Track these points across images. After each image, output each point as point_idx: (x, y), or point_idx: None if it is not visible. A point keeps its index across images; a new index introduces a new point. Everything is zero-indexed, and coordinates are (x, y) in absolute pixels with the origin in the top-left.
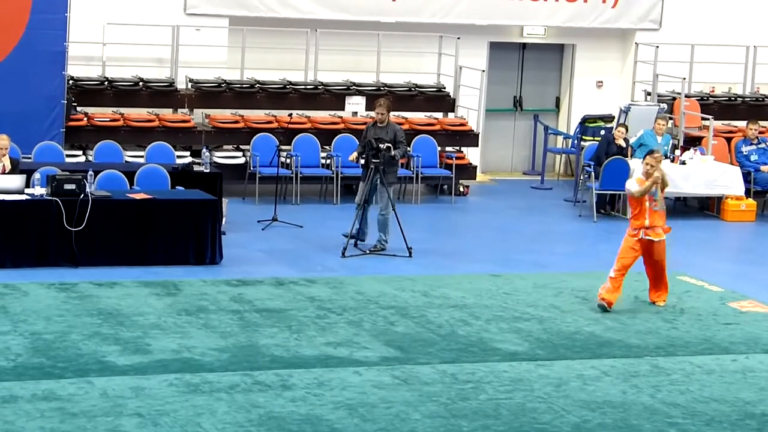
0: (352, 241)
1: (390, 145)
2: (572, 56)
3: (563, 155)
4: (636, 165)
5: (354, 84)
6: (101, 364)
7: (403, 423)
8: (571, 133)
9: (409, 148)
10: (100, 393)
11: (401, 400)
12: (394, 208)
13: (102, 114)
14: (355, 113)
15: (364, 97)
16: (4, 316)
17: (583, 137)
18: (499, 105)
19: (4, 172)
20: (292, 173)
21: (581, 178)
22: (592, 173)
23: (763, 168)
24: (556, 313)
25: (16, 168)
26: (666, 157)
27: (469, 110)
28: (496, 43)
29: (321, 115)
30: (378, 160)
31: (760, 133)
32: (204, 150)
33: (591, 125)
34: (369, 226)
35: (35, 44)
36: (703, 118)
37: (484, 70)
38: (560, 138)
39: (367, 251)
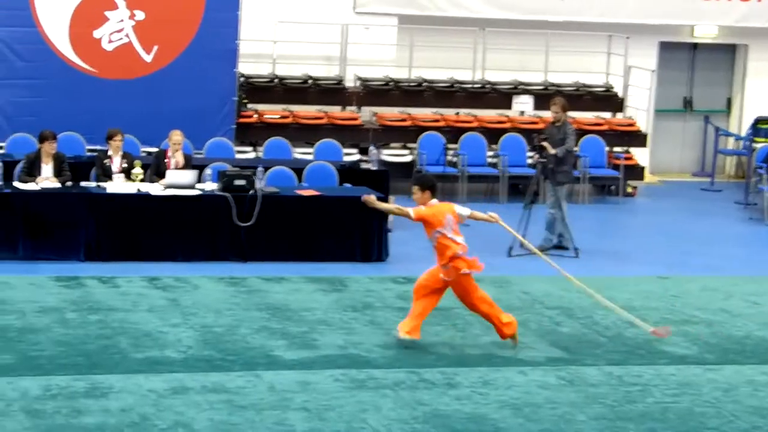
0: (519, 240)
1: (544, 143)
2: (745, 57)
3: (734, 157)
4: None
5: (521, 83)
6: (269, 358)
7: (568, 424)
8: (743, 134)
9: (576, 148)
10: (268, 386)
11: (566, 401)
12: (561, 207)
13: (272, 111)
14: (522, 112)
15: (532, 97)
16: (176, 309)
17: (755, 139)
18: (668, 105)
19: (177, 168)
20: (459, 172)
21: (753, 180)
22: (765, 175)
23: None
24: (725, 317)
25: (188, 163)
26: None
27: (638, 110)
28: (666, 43)
29: (488, 114)
30: (544, 160)
31: None
32: (372, 148)
33: (764, 126)
34: (556, 228)
35: (208, 42)
36: None
37: (653, 70)
38: (731, 139)
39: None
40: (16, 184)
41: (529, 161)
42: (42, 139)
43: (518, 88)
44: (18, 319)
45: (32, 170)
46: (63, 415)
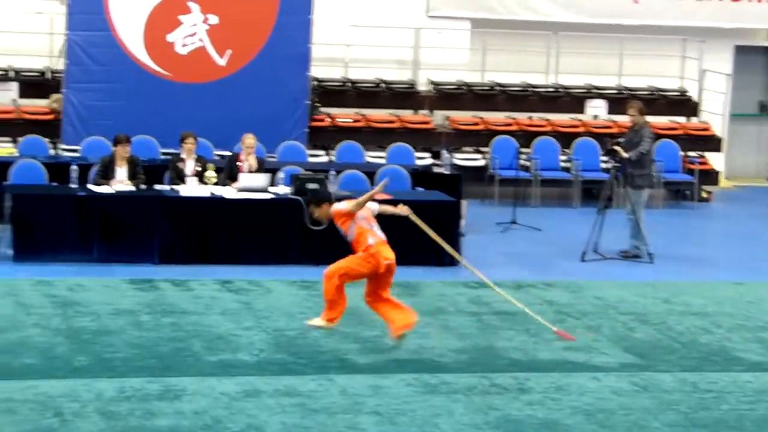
0: (592, 245)
1: (615, 147)
2: None
3: None
4: None
5: (595, 87)
6: (341, 361)
7: (642, 431)
8: None
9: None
10: (340, 390)
11: (640, 408)
12: (635, 212)
13: (344, 114)
14: (595, 116)
15: (605, 101)
16: (249, 312)
17: None
18: (744, 110)
19: (250, 171)
20: (532, 176)
21: None
22: None
23: None
24: None
25: (261, 167)
26: None
27: (713, 115)
28: (741, 47)
29: (561, 118)
30: (618, 164)
31: None
32: (444, 151)
33: None
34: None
35: (281, 46)
36: None
37: (729, 74)
38: None
39: (620, 256)
40: (91, 187)
41: (603, 165)
42: (116, 142)
43: (591, 92)
44: (93, 321)
45: (107, 173)
46: (137, 417)
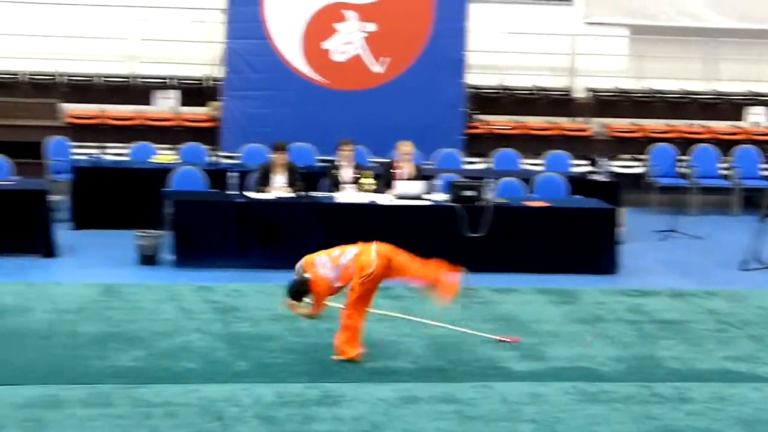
0: (754, 254)
1: None
2: None
3: None
4: None
5: (755, 94)
6: (499, 369)
7: None
8: None
9: None
10: (499, 398)
11: None
12: None
13: (500, 122)
14: (756, 123)
15: (766, 108)
16: (407, 319)
17: None
18: None
19: (406, 178)
20: (690, 184)
21: None
22: None
23: None
24: None
25: (418, 174)
26: None
27: None
28: None
29: (720, 126)
30: None
31: None
32: (601, 159)
33: None
34: None
35: (437, 53)
36: None
37: None
38: None
39: None
40: (250, 194)
41: (764, 173)
42: (274, 149)
43: (752, 99)
44: (252, 326)
45: (265, 180)
46: (295, 422)
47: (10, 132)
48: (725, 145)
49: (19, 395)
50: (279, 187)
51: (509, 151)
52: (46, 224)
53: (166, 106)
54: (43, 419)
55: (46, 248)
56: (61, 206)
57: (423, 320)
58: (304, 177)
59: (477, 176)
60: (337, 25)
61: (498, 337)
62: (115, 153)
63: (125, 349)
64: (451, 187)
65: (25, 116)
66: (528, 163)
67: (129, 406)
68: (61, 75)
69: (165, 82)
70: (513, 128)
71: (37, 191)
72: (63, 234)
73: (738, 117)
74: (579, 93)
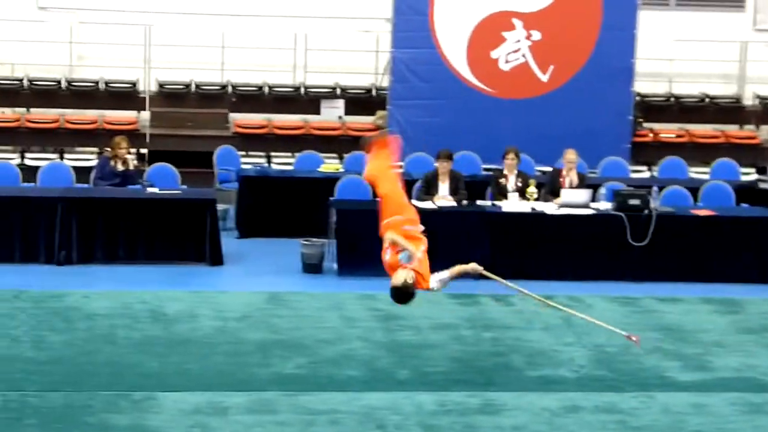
0: None
1: None
2: None
3: None
4: None
5: None
6: (663, 379)
7: None
8: None
9: None
10: (662, 408)
11: None
12: None
13: (667, 130)
14: None
15: None
16: (569, 328)
17: None
18: None
19: (571, 187)
20: None
21: None
22: None
23: None
24: None
25: (582, 183)
26: None
27: None
28: None
29: None
30: None
31: None
32: None
33: None
34: None
35: (604, 61)
36: None
37: None
38: None
39: None
40: (414, 202)
41: None
42: (439, 158)
43: None
44: (414, 335)
45: (429, 189)
46: (457, 431)
47: (180, 142)
48: None
49: (185, 401)
50: (443, 196)
51: (676, 159)
52: (213, 233)
53: (333, 115)
54: (209, 425)
55: (212, 256)
56: (228, 215)
57: (562, 308)
58: (468, 186)
59: (642, 185)
60: (505, 34)
61: (627, 334)
62: (281, 162)
63: (289, 357)
64: (616, 196)
65: (194, 126)
66: (695, 172)
67: (292, 413)
68: (230, 85)
69: (332, 92)
70: (680, 136)
71: (205, 200)
72: (229, 242)
73: None
74: (748, 100)
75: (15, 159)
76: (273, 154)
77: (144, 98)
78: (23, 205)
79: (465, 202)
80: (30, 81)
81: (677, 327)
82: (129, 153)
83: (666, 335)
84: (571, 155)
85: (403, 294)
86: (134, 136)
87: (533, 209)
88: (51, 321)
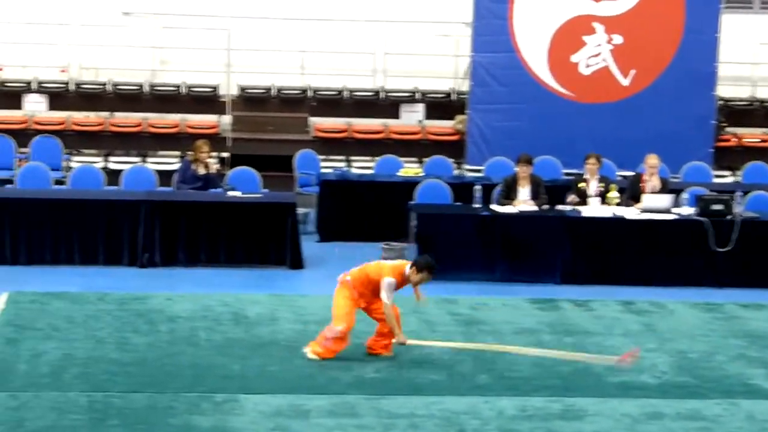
0: None
1: None
2: None
3: None
4: None
5: None
6: (747, 386)
7: None
8: None
9: None
10: (746, 415)
11: None
12: None
13: (751, 134)
14: None
15: None
16: (651, 334)
17: None
18: None
19: (653, 192)
20: None
21: None
22: None
23: None
24: None
25: (665, 187)
26: None
27: None
28: None
29: None
30: None
31: None
32: None
33: None
34: None
35: (686, 65)
36: None
37: None
38: None
39: None
40: (494, 207)
41: None
42: (519, 162)
43: None
44: (495, 339)
45: (510, 193)
46: None
47: (261, 145)
48: None
49: (267, 404)
50: (523, 200)
51: (760, 164)
52: (294, 236)
53: (412, 119)
54: (290, 428)
55: (292, 260)
56: (308, 218)
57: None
58: (549, 190)
59: (725, 190)
60: (586, 38)
61: (617, 359)
62: (361, 166)
63: (369, 361)
64: (699, 201)
65: (275, 130)
66: None
67: (373, 416)
68: (310, 90)
69: (411, 96)
70: (764, 141)
71: (286, 204)
72: (309, 246)
73: None
74: None
75: (99, 162)
76: (352, 158)
77: (225, 102)
78: (107, 208)
79: (545, 206)
80: (114, 85)
81: (762, 334)
82: (210, 157)
83: (750, 342)
84: (652, 160)
85: None
86: (215, 140)
87: (614, 214)
88: (135, 323)
